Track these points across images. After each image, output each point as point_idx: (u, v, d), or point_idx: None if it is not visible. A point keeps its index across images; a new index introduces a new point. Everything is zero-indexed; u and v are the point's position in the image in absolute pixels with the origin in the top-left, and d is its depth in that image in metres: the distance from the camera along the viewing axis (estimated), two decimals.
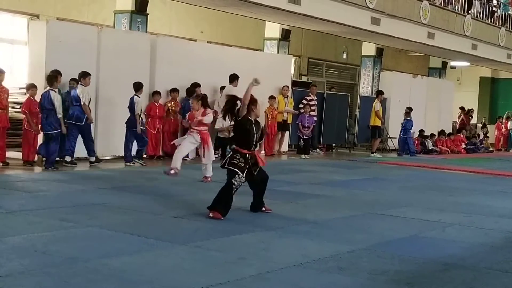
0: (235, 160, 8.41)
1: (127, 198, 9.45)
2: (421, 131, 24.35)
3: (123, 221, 7.78)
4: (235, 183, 8.36)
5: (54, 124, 12.67)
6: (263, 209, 8.81)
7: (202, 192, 10.44)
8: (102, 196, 9.55)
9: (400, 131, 21.73)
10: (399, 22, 22.12)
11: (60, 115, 12.70)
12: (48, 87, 12.71)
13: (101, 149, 14.55)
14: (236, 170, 8.33)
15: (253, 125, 8.56)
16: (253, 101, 8.60)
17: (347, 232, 7.77)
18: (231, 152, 8.60)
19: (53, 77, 12.81)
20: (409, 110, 21.69)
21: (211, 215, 8.17)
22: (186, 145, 11.75)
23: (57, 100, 12.67)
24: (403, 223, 8.63)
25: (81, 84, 13.43)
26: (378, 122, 21.03)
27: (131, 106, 14.03)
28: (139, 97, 14.21)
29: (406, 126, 21.61)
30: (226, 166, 8.45)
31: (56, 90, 12.85)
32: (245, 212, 8.76)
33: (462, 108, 29.54)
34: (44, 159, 12.71)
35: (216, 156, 15.11)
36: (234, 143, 8.74)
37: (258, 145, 8.81)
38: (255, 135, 8.52)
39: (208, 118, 11.63)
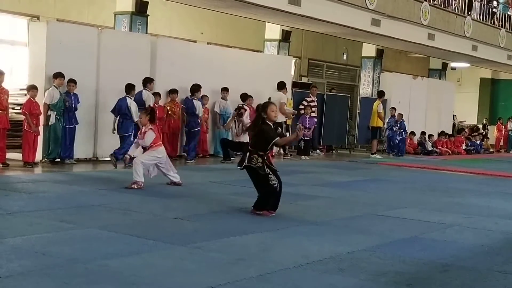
0: (253, 161, 8.69)
1: (127, 199, 9.44)
2: (423, 132, 24.40)
3: (123, 222, 7.78)
4: (273, 182, 8.66)
5: (128, 127, 13.92)
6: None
7: (202, 193, 10.45)
8: (102, 197, 9.55)
9: (389, 131, 21.88)
10: (399, 23, 22.13)
11: (136, 120, 13.63)
12: (125, 94, 14.03)
13: (100, 150, 14.56)
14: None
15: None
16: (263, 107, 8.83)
17: (348, 233, 7.76)
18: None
19: (131, 86, 14.16)
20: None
21: (260, 212, 8.60)
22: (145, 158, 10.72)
23: (133, 106, 13.95)
24: (403, 224, 8.62)
25: (145, 89, 14.72)
26: (379, 123, 21.07)
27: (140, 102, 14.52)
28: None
29: (401, 126, 21.86)
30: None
31: (132, 97, 14.15)
32: (245, 213, 8.75)
33: None
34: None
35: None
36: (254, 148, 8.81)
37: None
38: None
39: (148, 140, 10.68)
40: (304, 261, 6.20)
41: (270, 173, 8.67)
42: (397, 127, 21.75)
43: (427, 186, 13.39)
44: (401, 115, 22.00)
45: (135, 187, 10.30)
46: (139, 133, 11.04)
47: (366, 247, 6.96)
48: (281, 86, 18.00)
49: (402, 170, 16.90)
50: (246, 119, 16.33)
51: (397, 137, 21.78)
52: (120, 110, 14.03)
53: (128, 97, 14.16)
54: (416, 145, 23.99)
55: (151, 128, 10.72)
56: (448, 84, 28.74)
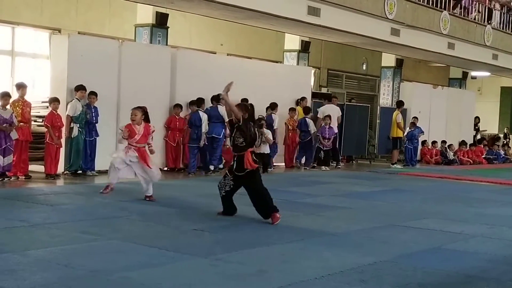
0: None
1: (148, 210, 9.48)
2: (443, 141, 24.28)
3: (144, 233, 7.81)
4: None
5: (200, 137, 15.31)
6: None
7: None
8: (123, 208, 9.59)
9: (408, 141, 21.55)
10: (419, 33, 22.06)
11: (204, 131, 15.22)
12: (196, 108, 15.42)
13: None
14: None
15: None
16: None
17: (369, 244, 7.74)
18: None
19: (201, 100, 15.56)
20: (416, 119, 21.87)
21: (273, 220, 8.77)
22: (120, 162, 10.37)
23: (204, 119, 15.29)
24: (425, 235, 8.57)
25: (219, 104, 15.46)
26: (400, 133, 21.00)
27: (195, 121, 15.39)
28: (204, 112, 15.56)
29: (414, 135, 21.51)
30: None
31: (203, 110, 15.48)
32: (266, 224, 8.75)
33: None
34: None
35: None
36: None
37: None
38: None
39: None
40: (326, 272, 6.18)
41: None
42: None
43: (449, 196, 13.31)
44: (413, 123, 21.72)
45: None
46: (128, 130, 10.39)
47: (388, 258, 6.93)
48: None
49: (423, 180, 16.80)
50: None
51: (410, 146, 21.55)
52: (194, 123, 15.30)
53: (200, 110, 15.46)
54: (436, 154, 23.85)
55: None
56: (468, 94, 28.55)
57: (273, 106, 17.95)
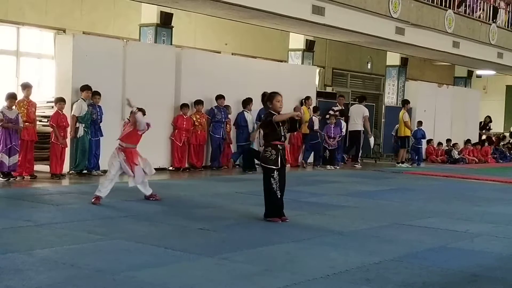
0: (267, 153, 8.83)
1: (154, 210, 9.49)
2: (448, 140, 24.27)
3: (150, 233, 7.82)
4: (273, 186, 8.82)
5: (246, 138, 16.55)
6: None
7: (227, 204, 10.47)
8: (128, 208, 9.61)
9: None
10: (423, 32, 22.05)
11: (251, 131, 16.59)
12: (242, 109, 16.75)
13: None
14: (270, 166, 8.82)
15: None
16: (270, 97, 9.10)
17: (374, 243, 7.73)
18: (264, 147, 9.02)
19: (247, 100, 16.75)
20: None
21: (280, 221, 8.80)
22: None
23: (249, 119, 16.65)
24: (431, 234, 8.56)
25: (245, 111, 16.84)
26: (407, 132, 20.99)
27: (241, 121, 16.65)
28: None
29: (418, 135, 21.55)
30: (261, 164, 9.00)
31: (249, 111, 16.68)
32: (271, 223, 8.75)
33: None
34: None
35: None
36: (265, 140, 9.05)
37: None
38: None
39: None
40: (331, 271, 6.18)
41: (274, 174, 8.80)
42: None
43: (454, 195, 13.29)
44: (420, 122, 21.77)
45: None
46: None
47: (393, 257, 6.93)
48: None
49: (428, 179, 16.79)
50: None
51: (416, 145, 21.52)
52: (240, 123, 16.62)
53: (245, 111, 16.77)
54: (442, 154, 23.83)
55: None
56: (473, 92, 28.53)
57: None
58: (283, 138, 8.90)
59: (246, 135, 16.91)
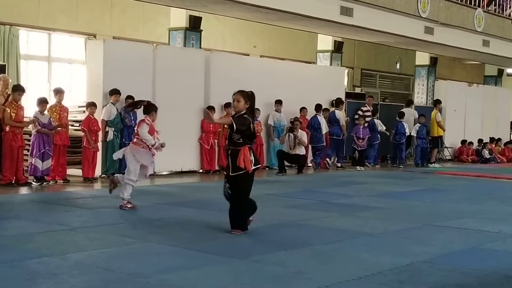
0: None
1: (185, 213, 9.55)
2: (480, 140, 24.06)
3: (181, 236, 7.86)
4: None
5: (320, 139, 17.47)
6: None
7: (258, 206, 10.46)
8: (160, 211, 9.67)
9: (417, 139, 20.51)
10: (453, 31, 21.91)
11: (324, 132, 17.54)
12: (315, 113, 17.65)
13: (158, 164, 14.73)
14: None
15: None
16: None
17: (406, 245, 7.70)
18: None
19: (320, 106, 17.89)
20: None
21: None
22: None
23: (323, 122, 17.58)
24: (463, 235, 8.51)
25: (337, 109, 18.14)
26: (440, 132, 20.86)
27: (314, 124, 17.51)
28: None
29: (423, 131, 20.51)
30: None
31: (322, 115, 17.69)
32: (302, 225, 8.77)
33: None
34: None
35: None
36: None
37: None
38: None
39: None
40: (363, 273, 6.18)
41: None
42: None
43: (486, 195, 13.18)
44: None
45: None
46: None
47: (425, 258, 6.90)
48: (409, 103, 21.67)
49: (459, 179, 16.66)
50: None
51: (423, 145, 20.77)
52: (313, 126, 17.34)
53: (318, 114, 17.69)
54: (472, 154, 23.62)
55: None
56: (504, 91, 28.23)
57: (337, 103, 18.59)
58: (227, 142, 8.12)
59: (320, 137, 17.60)
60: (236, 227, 8.02)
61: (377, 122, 19.60)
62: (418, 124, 20.48)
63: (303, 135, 16.47)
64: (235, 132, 7.89)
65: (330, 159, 18.48)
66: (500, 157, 24.01)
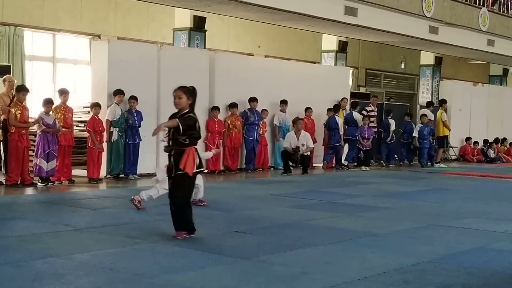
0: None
1: None
2: (485, 140, 24.01)
3: None
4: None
5: (338, 139, 17.85)
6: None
7: (263, 206, 10.48)
8: (165, 212, 9.62)
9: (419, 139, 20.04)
10: (457, 30, 21.88)
11: (341, 133, 17.99)
12: (333, 113, 18.05)
13: (163, 165, 14.74)
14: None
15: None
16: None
17: (411, 245, 7.68)
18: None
19: (338, 106, 18.40)
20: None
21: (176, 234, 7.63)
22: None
23: (340, 122, 17.92)
24: (469, 235, 8.49)
25: (354, 110, 18.71)
26: (446, 132, 20.84)
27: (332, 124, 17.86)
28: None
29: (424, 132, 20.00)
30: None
31: (338, 115, 18.00)
32: (308, 225, 8.76)
33: None
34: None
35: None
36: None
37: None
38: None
39: None
40: (368, 273, 6.17)
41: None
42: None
43: (491, 195, 13.15)
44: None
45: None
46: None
47: (431, 258, 6.88)
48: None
49: (465, 179, 16.63)
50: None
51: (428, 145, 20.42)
52: (331, 126, 17.70)
53: (336, 115, 17.97)
54: (478, 153, 23.58)
55: None
56: (509, 90, 28.17)
57: (354, 105, 19.22)
58: (171, 143, 7.62)
59: (337, 137, 17.92)
60: (180, 229, 7.55)
61: (391, 122, 19.80)
62: (419, 124, 20.30)
63: (307, 138, 16.43)
64: (181, 133, 7.41)
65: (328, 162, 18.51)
66: (505, 157, 23.97)
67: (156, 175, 9.92)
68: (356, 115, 18.63)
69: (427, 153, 20.19)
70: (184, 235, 7.53)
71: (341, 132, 18.08)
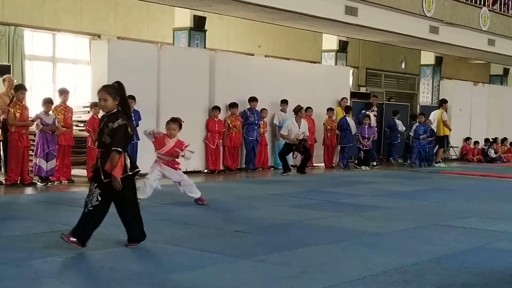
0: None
1: (190, 213, 9.54)
2: (486, 140, 24.00)
3: (186, 235, 7.86)
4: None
5: (350, 140, 18.28)
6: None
7: (263, 206, 10.48)
8: (164, 211, 9.67)
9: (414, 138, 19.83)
10: (458, 30, 21.87)
11: (354, 132, 18.31)
12: (344, 114, 18.50)
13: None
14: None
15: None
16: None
17: (411, 244, 7.68)
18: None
19: (349, 107, 18.97)
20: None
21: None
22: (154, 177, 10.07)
23: (351, 124, 18.29)
24: (468, 234, 8.48)
25: (367, 111, 18.88)
26: (446, 132, 20.84)
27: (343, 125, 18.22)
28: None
29: (420, 131, 19.81)
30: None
31: (350, 116, 18.47)
32: (308, 225, 8.75)
33: None
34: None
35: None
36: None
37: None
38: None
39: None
40: (368, 273, 6.16)
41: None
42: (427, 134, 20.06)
43: (492, 195, 13.15)
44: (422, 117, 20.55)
45: None
46: (156, 143, 10.07)
47: (431, 258, 6.88)
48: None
49: (465, 179, 16.63)
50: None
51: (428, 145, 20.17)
52: (342, 127, 18.18)
53: (347, 116, 18.45)
54: (478, 153, 23.57)
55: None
56: (510, 90, 28.14)
57: (368, 106, 19.59)
58: (97, 144, 7.05)
59: (349, 138, 18.34)
60: (75, 233, 6.86)
61: (398, 122, 19.97)
62: (416, 123, 20.02)
63: (306, 128, 16.42)
64: (107, 135, 6.76)
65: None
66: (506, 156, 23.94)
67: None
68: (370, 115, 18.91)
69: (419, 152, 19.97)
70: (72, 239, 6.73)
71: (353, 133, 18.41)
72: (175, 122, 10.09)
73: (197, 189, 10.39)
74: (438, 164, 20.42)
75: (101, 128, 6.89)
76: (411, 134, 19.84)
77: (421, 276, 6.14)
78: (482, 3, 23.04)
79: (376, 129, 19.20)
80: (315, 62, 21.87)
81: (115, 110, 6.91)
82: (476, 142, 23.61)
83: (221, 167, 16.06)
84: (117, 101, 6.94)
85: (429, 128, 20.00)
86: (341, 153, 18.73)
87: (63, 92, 13.16)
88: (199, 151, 15.64)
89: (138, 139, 14.06)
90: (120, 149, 6.71)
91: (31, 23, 16.30)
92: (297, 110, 16.43)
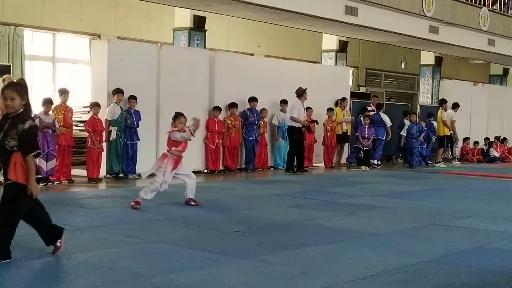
0: None
1: (190, 213, 9.53)
2: (486, 139, 24.00)
3: (186, 236, 7.87)
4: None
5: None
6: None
7: (263, 206, 10.48)
8: (165, 211, 9.67)
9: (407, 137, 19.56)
10: (458, 30, 21.87)
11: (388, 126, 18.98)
12: (377, 110, 19.11)
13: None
14: None
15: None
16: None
17: (411, 244, 7.68)
18: None
19: (365, 108, 19.00)
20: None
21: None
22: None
23: (385, 119, 18.81)
24: (468, 234, 8.48)
25: (380, 111, 19.29)
26: (446, 132, 20.84)
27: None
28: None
29: (412, 130, 19.50)
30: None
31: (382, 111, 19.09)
32: (308, 225, 8.75)
33: None
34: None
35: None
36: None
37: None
38: None
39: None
40: (368, 273, 6.16)
41: None
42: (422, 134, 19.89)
43: (491, 195, 13.15)
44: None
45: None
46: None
47: (430, 258, 6.88)
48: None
49: (465, 179, 16.63)
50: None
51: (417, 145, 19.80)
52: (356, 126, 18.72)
53: (380, 111, 19.07)
54: (478, 153, 23.57)
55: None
56: (510, 90, 28.13)
57: (379, 106, 19.88)
58: None
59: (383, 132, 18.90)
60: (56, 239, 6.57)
61: (407, 122, 19.70)
62: (408, 123, 19.71)
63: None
64: (11, 138, 6.16)
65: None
66: (506, 156, 23.94)
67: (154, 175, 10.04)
68: (384, 116, 19.13)
69: (418, 153, 19.85)
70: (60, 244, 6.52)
71: (388, 126, 19.08)
72: (183, 115, 10.07)
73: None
74: (438, 164, 20.42)
75: (5, 130, 6.18)
76: (403, 134, 19.57)
77: (421, 276, 6.14)
78: (482, 3, 23.04)
79: (373, 129, 18.95)
80: (315, 62, 21.87)
81: (21, 110, 6.28)
82: (476, 142, 23.61)
83: (221, 167, 16.05)
84: (24, 101, 6.29)
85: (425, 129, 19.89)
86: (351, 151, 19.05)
87: (63, 92, 13.16)
88: (199, 151, 15.65)
89: (138, 140, 14.09)
90: (37, 152, 6.31)
91: (31, 23, 16.31)
92: (301, 92, 16.48)
